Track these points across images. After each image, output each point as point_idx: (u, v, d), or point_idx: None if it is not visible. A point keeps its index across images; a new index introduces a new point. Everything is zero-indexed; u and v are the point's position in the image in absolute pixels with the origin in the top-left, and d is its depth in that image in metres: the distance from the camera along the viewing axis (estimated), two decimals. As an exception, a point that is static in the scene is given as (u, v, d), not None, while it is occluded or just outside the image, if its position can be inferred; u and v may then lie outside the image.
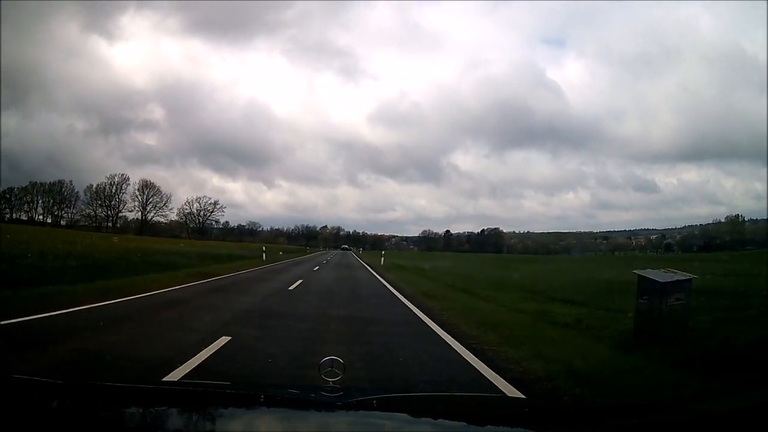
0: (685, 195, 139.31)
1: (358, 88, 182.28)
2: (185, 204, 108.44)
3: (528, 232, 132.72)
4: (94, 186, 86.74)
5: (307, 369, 4.75)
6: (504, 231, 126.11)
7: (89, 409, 1.72)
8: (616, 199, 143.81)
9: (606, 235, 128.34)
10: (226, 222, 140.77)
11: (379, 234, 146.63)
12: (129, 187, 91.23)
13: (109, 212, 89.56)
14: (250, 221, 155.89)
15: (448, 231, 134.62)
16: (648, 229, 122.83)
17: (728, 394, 4.04)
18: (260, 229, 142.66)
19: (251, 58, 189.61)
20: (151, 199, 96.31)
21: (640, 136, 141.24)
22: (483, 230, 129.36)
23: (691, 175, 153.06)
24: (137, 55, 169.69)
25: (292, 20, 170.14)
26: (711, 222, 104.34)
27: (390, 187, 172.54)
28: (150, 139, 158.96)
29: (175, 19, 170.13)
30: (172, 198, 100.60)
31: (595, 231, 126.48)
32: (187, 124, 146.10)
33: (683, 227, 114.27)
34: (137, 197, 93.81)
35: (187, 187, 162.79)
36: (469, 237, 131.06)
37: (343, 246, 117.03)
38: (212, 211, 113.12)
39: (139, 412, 1.80)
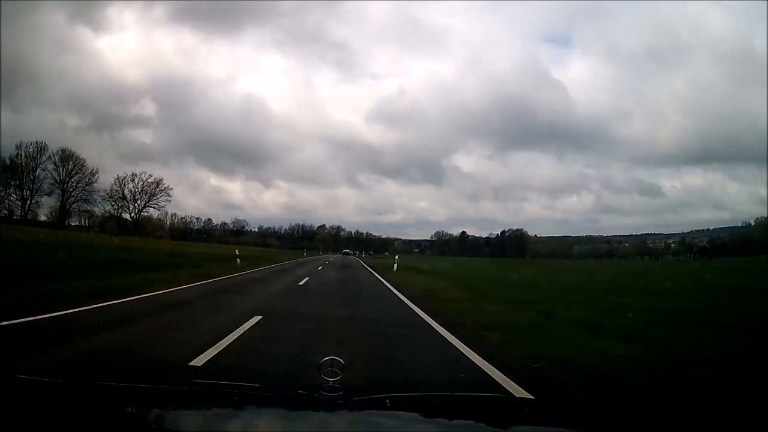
0: (689, 199, 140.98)
1: (356, 85, 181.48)
2: (114, 183, 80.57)
3: (536, 235, 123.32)
4: (7, 159, 62.72)
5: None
6: (528, 233, 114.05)
7: (89, 409, 1.71)
8: (620, 203, 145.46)
9: (611, 240, 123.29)
10: (209, 219, 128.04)
11: (384, 237, 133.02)
12: (48, 163, 66.14)
13: (23, 193, 64.58)
14: (235, 218, 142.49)
15: (463, 233, 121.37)
16: (654, 234, 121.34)
17: (729, 394, 4.09)
18: (247, 228, 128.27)
19: (244, 52, 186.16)
20: (73, 177, 70.15)
21: (646, 138, 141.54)
22: (503, 231, 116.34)
23: (696, 179, 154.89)
24: (127, 47, 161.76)
25: (287, 11, 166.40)
26: (740, 224, 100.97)
27: (391, 188, 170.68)
28: (144, 137, 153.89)
29: (161, 9, 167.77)
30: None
31: (604, 235, 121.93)
32: (182, 121, 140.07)
33: (690, 232, 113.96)
34: (55, 172, 67.16)
35: (184, 186, 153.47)
36: (488, 240, 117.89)
37: (345, 251, 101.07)
38: (154, 194, 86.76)
39: (138, 412, 1.78)
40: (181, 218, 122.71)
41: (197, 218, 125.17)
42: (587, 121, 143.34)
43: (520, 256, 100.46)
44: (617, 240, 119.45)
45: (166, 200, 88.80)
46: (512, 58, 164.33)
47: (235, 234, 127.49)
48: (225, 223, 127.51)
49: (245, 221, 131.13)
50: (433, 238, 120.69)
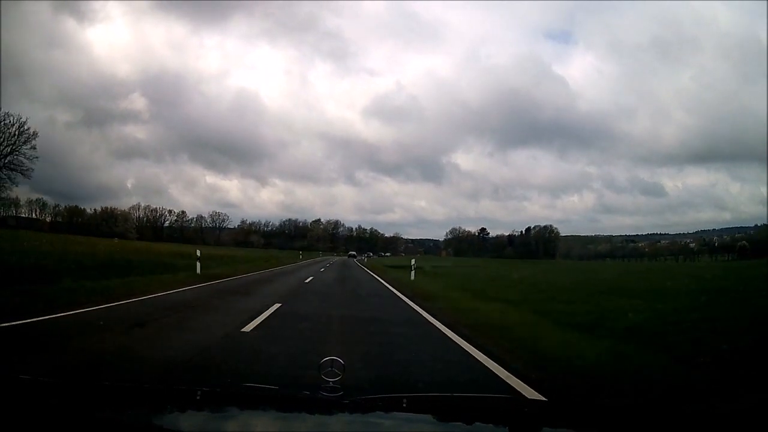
0: (691, 199, 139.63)
1: (351, 79, 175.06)
2: None
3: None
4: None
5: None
6: (559, 230, 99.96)
7: (89, 409, 1.71)
8: (622, 203, 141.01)
9: (632, 239, 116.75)
10: (182, 212, 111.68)
11: (391, 235, 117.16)
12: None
13: None
14: (213, 211, 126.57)
15: (483, 230, 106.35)
16: (660, 234, 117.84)
17: (730, 394, 4.04)
18: (226, 225, 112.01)
19: (233, 44, 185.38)
20: None
21: (650, 135, 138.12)
22: (529, 228, 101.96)
23: (699, 178, 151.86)
24: (114, 39, 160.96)
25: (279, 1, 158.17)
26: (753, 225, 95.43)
27: (389, 186, 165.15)
28: (137, 133, 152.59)
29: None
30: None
31: (615, 234, 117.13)
32: (175, 117, 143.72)
33: (695, 232, 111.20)
34: None
35: (178, 184, 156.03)
36: (511, 238, 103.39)
37: (351, 252, 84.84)
38: (14, 147, 50.62)
39: (138, 412, 1.77)
40: (152, 210, 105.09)
41: (169, 211, 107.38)
42: (590, 119, 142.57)
43: (547, 256, 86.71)
44: (632, 239, 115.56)
45: (32, 156, 52.32)
46: (512, 54, 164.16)
47: (215, 230, 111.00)
48: (202, 217, 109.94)
49: (225, 215, 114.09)
50: (449, 236, 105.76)
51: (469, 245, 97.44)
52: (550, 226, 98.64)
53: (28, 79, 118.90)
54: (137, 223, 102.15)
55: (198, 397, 1.94)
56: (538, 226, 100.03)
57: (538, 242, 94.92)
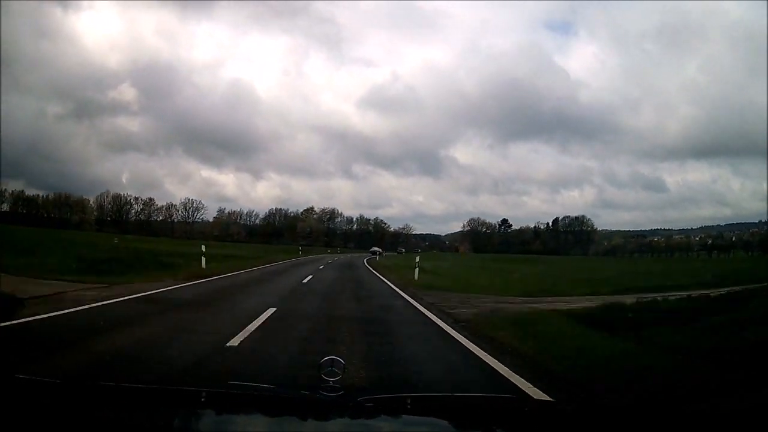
0: (693, 195, 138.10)
1: (346, 68, 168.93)
2: None
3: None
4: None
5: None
6: (594, 222, 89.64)
7: (89, 409, 1.71)
8: (623, 198, 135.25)
9: (629, 234, 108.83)
10: (150, 199, 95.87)
11: (399, 228, 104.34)
12: None
13: None
14: (185, 198, 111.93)
15: (505, 221, 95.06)
16: (664, 230, 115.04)
17: (730, 394, 4.04)
18: (201, 215, 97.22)
19: (223, 31, 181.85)
20: None
21: (653, 128, 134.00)
22: (556, 220, 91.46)
23: (701, 174, 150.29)
24: (100, 26, 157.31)
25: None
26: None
27: (386, 180, 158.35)
28: (129, 125, 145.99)
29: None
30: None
31: (621, 230, 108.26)
32: (167, 109, 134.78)
33: (700, 227, 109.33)
34: None
35: (173, 178, 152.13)
36: (537, 231, 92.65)
37: (374, 249, 71.33)
38: None
39: (137, 412, 1.77)
40: (115, 197, 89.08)
41: (135, 198, 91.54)
42: (591, 111, 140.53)
43: (582, 254, 76.41)
44: (642, 234, 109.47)
45: None
46: (513, 45, 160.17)
47: (187, 223, 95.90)
48: (172, 205, 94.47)
49: (200, 202, 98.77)
50: (466, 228, 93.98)
51: (488, 239, 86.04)
52: (583, 216, 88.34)
53: (15, 70, 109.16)
54: (97, 213, 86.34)
55: (196, 398, 1.94)
56: (567, 216, 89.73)
57: (568, 236, 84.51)
